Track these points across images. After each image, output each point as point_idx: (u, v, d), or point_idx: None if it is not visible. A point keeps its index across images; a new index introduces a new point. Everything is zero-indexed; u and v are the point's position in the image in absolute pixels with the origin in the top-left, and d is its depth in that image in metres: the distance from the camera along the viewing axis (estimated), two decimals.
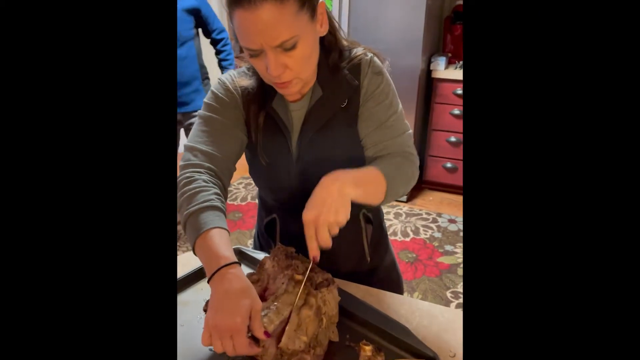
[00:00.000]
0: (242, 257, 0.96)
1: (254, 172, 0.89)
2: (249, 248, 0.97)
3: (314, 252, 0.68)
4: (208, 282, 0.66)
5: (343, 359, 0.71)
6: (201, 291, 0.88)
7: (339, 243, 0.88)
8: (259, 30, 0.64)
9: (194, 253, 0.70)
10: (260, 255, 0.93)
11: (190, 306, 0.84)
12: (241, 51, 0.86)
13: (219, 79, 0.85)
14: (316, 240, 0.67)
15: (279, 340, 0.67)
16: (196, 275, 0.90)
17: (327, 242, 0.67)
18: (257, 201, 1.03)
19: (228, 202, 2.94)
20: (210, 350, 0.74)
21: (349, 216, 0.67)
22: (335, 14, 2.58)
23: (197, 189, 0.72)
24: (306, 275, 0.72)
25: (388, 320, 0.76)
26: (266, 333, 0.65)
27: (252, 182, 3.22)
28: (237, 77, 0.84)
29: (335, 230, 0.67)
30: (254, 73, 0.83)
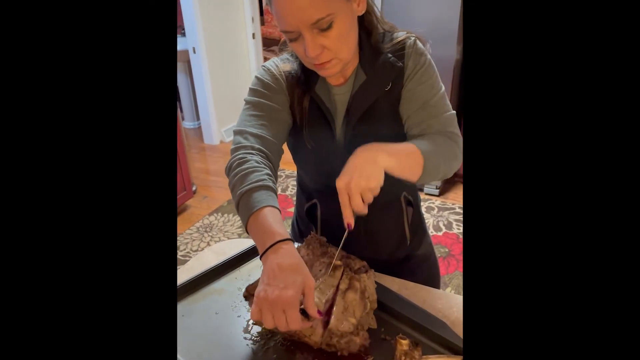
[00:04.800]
0: None
1: (298, 156, 0.90)
2: None
3: (348, 218, 0.68)
4: (260, 258, 0.67)
5: (379, 353, 0.70)
6: (235, 280, 0.88)
7: (381, 225, 0.92)
8: (294, 10, 0.66)
9: (247, 231, 0.71)
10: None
11: (225, 295, 0.84)
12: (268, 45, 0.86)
13: (262, 65, 0.87)
14: (350, 207, 0.67)
15: (324, 320, 0.68)
16: (230, 264, 0.91)
17: (360, 208, 0.66)
18: (286, 193, 1.04)
19: None
20: (248, 336, 0.74)
21: (381, 183, 0.67)
22: None
23: (250, 169, 0.73)
24: (334, 256, 0.74)
25: (425, 315, 0.75)
26: (319, 312, 0.65)
27: (281, 174, 3.23)
28: (281, 63, 0.86)
29: (369, 197, 0.67)
30: (296, 58, 0.84)
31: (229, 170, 0.77)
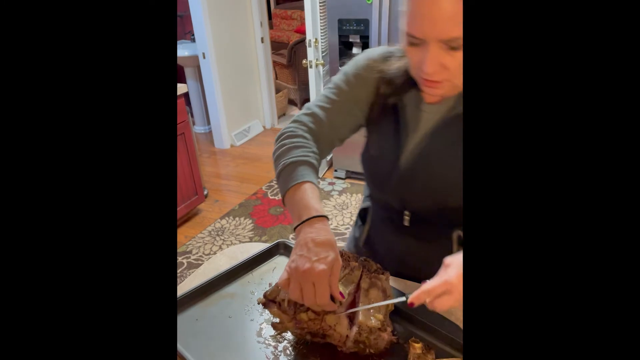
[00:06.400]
0: (287, 249, 0.96)
1: (364, 154, 0.86)
2: (293, 242, 0.97)
3: (417, 301, 0.64)
4: (295, 229, 0.67)
5: (392, 356, 0.69)
6: (248, 284, 0.89)
7: (426, 259, 0.81)
8: (434, 19, 0.60)
9: (283, 203, 0.72)
10: None
11: (237, 298, 0.84)
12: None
13: (365, 51, 0.83)
14: (430, 296, 0.63)
15: (347, 315, 0.69)
16: (242, 268, 0.91)
17: (435, 309, 0.63)
18: None
19: (271, 197, 2.97)
20: (261, 340, 0.74)
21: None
22: (375, 9, 2.54)
23: (297, 144, 0.74)
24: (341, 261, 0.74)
25: (437, 317, 0.74)
26: (341, 294, 0.66)
27: None
28: (382, 58, 0.81)
29: (440, 308, 0.63)
30: (402, 58, 0.78)
31: (278, 138, 0.78)
